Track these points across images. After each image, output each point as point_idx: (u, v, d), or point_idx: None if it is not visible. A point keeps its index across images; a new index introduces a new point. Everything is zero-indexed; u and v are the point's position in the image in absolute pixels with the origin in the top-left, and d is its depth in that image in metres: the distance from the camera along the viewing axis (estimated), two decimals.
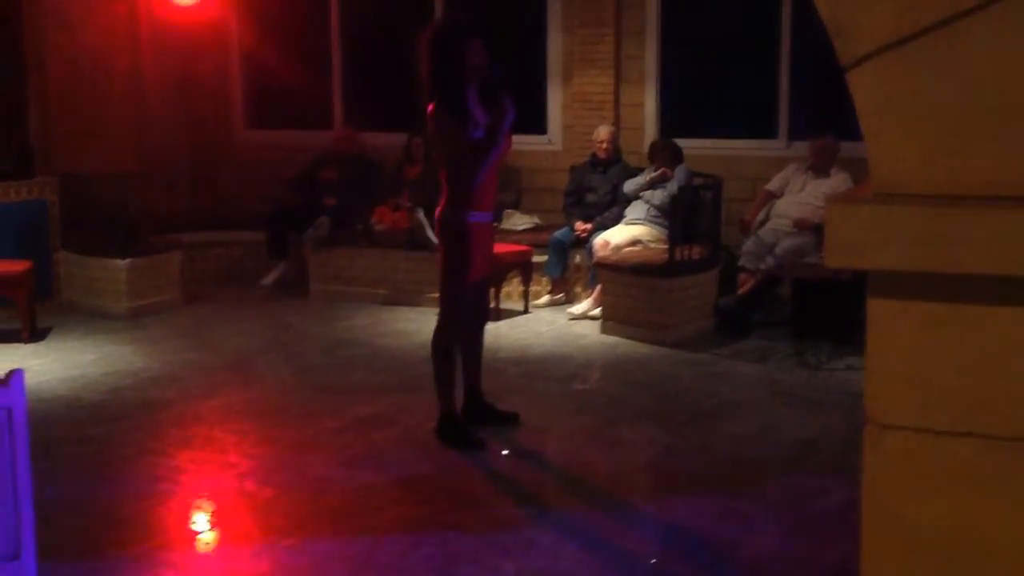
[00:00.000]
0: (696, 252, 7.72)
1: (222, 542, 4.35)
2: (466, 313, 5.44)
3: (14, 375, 3.66)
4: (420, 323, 7.94)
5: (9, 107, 8.17)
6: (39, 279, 7.77)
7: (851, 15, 1.45)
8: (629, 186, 8.32)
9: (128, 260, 8.12)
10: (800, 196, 8.09)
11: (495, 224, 8.67)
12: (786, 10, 8.61)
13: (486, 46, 5.17)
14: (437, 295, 5.56)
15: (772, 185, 8.28)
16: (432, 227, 6.51)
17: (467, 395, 5.64)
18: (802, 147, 8.41)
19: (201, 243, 9.29)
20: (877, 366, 1.51)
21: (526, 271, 8.42)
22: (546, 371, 6.76)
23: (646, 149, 8.63)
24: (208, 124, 10.30)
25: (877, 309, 1.50)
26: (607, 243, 8.02)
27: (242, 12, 10.19)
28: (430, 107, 5.16)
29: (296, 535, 4.31)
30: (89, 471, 5.01)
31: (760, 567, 4.08)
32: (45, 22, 8.75)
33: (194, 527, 4.48)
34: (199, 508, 4.67)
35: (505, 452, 5.31)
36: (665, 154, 8.18)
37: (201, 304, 8.51)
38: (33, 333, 7.35)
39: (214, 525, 4.50)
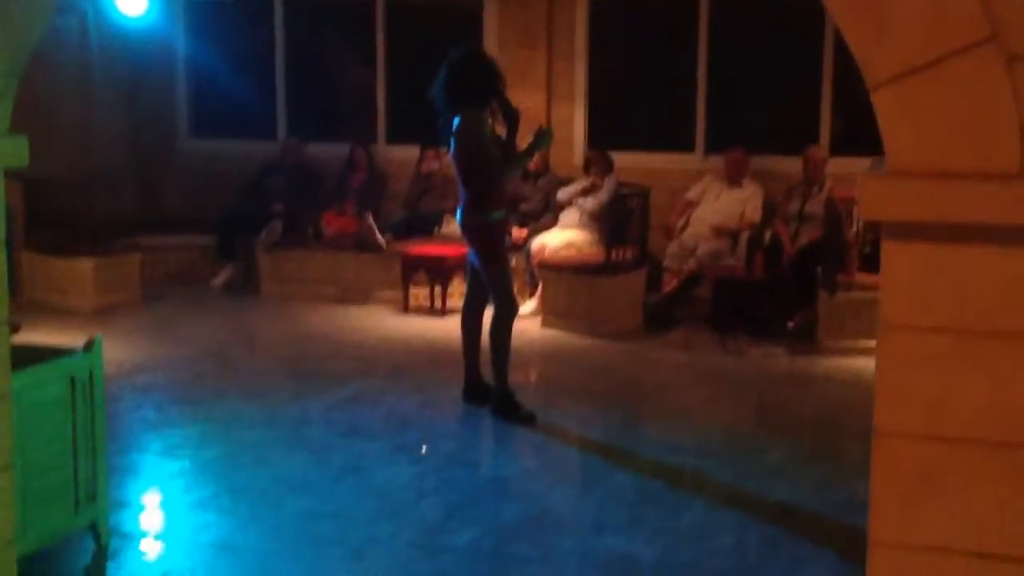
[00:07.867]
0: (629, 253, 8.52)
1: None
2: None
3: (94, 342, 4.20)
4: (375, 319, 8.56)
5: None
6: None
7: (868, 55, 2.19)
8: (564, 194, 9.07)
9: (93, 259, 8.56)
10: (716, 204, 8.95)
11: (436, 229, 9.46)
12: (703, 34, 9.47)
13: None
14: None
15: (691, 194, 9.13)
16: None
17: (470, 373, 6.35)
18: (717, 160, 9.28)
19: (151, 246, 9.66)
20: (889, 288, 2.26)
21: None
22: None
23: (576, 161, 9.42)
24: (152, 132, 10.68)
25: (890, 249, 2.25)
26: (544, 246, 8.77)
27: (189, 22, 10.60)
28: (458, 119, 5.91)
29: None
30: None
31: None
32: None
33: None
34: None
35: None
36: (600, 164, 8.96)
37: (159, 303, 8.91)
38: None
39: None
